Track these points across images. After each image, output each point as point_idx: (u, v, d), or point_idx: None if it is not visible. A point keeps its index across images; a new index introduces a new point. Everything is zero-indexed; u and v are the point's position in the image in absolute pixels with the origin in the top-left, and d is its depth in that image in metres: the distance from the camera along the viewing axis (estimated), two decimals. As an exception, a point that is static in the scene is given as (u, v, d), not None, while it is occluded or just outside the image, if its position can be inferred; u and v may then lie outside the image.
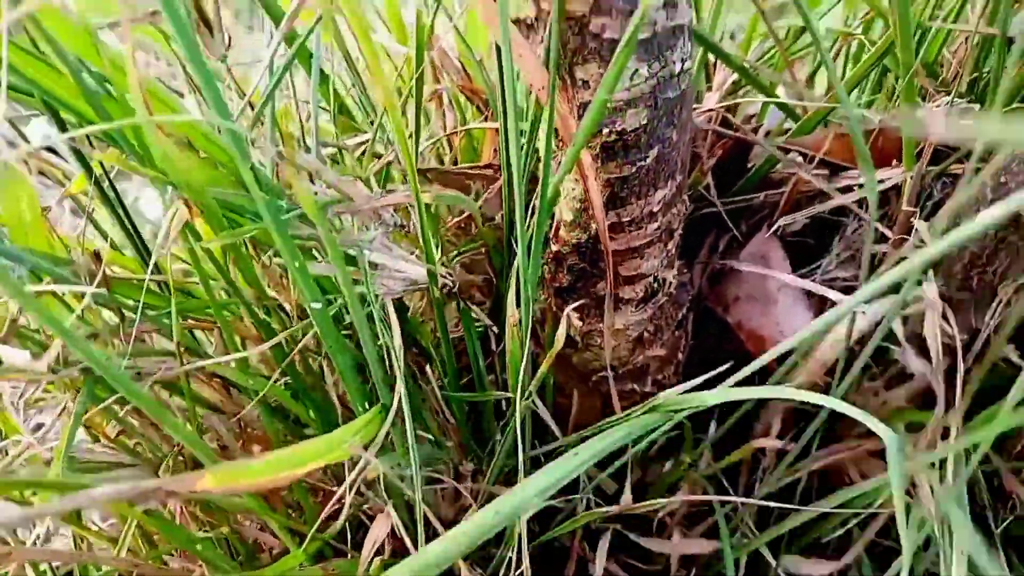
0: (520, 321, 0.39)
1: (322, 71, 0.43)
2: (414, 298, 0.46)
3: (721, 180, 0.53)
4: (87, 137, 0.34)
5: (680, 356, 0.50)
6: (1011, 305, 0.46)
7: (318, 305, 0.34)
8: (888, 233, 0.47)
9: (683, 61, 0.35)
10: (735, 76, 0.51)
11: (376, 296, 0.37)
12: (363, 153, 0.44)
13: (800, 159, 0.48)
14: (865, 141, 0.47)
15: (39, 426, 0.39)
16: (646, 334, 0.45)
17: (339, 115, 0.43)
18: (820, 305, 0.52)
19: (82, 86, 0.29)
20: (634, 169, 0.37)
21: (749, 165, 0.52)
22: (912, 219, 0.45)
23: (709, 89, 0.56)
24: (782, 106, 0.52)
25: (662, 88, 0.34)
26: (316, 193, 0.36)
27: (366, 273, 0.36)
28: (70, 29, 0.30)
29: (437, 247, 0.42)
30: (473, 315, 0.43)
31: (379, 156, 0.44)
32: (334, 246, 0.32)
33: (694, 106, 0.52)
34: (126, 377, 0.26)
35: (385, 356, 0.39)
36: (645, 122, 0.35)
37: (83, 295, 0.34)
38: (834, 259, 0.49)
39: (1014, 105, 0.44)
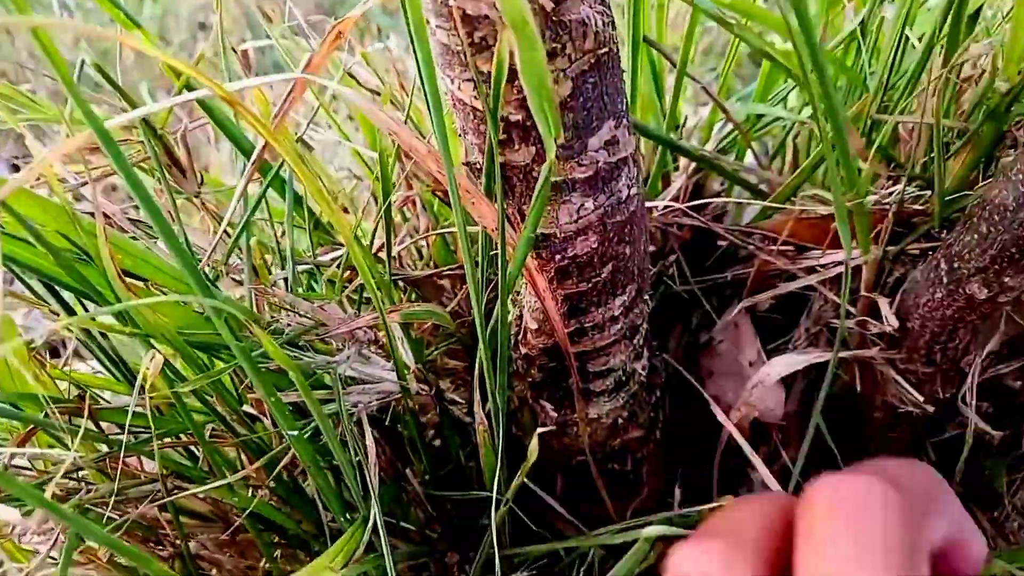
0: (490, 427, 0.41)
1: (296, 193, 0.45)
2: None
3: (691, 259, 0.55)
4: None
5: (657, 433, 0.51)
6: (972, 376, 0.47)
7: (294, 433, 0.36)
8: (852, 311, 0.48)
9: (629, 187, 0.37)
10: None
11: (352, 411, 0.40)
12: (339, 266, 0.46)
13: (763, 241, 0.50)
14: (822, 223, 0.49)
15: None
16: (620, 420, 0.47)
17: (315, 230, 0.46)
18: (790, 378, 0.54)
19: (59, 260, 0.32)
20: (590, 285, 0.39)
21: (719, 243, 0.54)
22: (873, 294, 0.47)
23: (676, 170, 0.57)
24: (746, 186, 0.53)
25: (610, 215, 0.36)
26: (289, 325, 0.38)
27: (339, 394, 0.38)
28: (44, 205, 0.32)
29: (416, 351, 0.44)
30: (454, 413, 0.46)
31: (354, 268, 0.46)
32: (301, 381, 0.34)
33: (651, 205, 0.54)
34: (108, 537, 0.28)
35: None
36: (596, 246, 0.37)
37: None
38: (803, 334, 0.51)
39: (961, 193, 0.45)
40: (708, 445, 0.55)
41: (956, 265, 0.43)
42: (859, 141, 0.44)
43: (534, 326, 0.41)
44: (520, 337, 0.43)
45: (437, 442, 0.49)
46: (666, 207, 0.50)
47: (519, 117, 0.32)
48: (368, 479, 0.36)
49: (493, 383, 0.40)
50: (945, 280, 0.43)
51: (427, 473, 0.45)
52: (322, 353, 0.41)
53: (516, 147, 0.33)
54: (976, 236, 0.41)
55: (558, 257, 0.37)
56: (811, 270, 0.49)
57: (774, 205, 0.49)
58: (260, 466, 0.38)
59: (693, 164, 0.55)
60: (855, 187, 0.42)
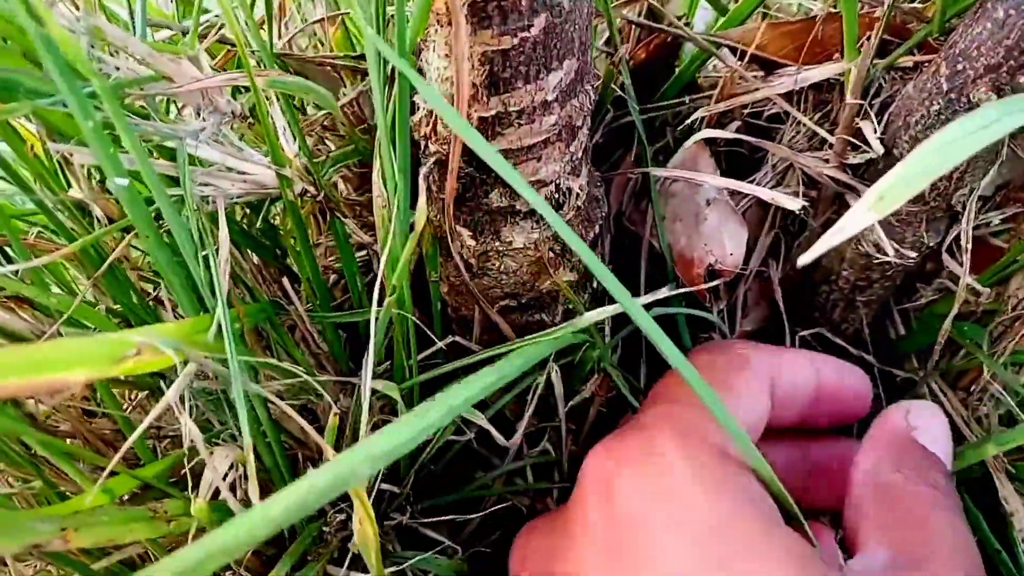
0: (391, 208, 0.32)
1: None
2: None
3: (646, 84, 0.47)
4: None
5: (595, 283, 0.44)
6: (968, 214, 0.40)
7: (124, 182, 0.27)
8: (829, 137, 0.41)
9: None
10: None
11: (208, 199, 0.31)
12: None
13: (730, 56, 0.42)
14: (804, 33, 0.41)
15: None
16: (551, 254, 0.39)
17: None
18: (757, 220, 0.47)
19: None
20: (516, 40, 0.30)
21: (676, 67, 0.46)
22: (857, 118, 0.39)
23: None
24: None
25: (543, -66, 0.28)
26: (118, 69, 0.29)
27: (184, 168, 0.29)
28: None
29: (302, 142, 0.35)
30: (348, 228, 0.37)
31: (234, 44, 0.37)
32: (126, 128, 0.25)
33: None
34: None
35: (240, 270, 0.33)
36: (524, -22, 0.28)
37: None
38: (770, 170, 0.44)
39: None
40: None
41: (960, 66, 0.35)
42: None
43: (441, 110, 0.32)
44: (430, 130, 0.35)
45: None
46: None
47: None
48: (215, 271, 0.27)
49: (394, 181, 0.31)
50: (945, 87, 0.36)
51: (315, 298, 0.36)
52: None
53: None
54: (989, 25, 0.34)
55: (474, -13, 0.28)
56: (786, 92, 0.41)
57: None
58: (81, 255, 0.29)
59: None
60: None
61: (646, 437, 0.33)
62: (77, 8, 0.32)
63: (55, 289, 0.35)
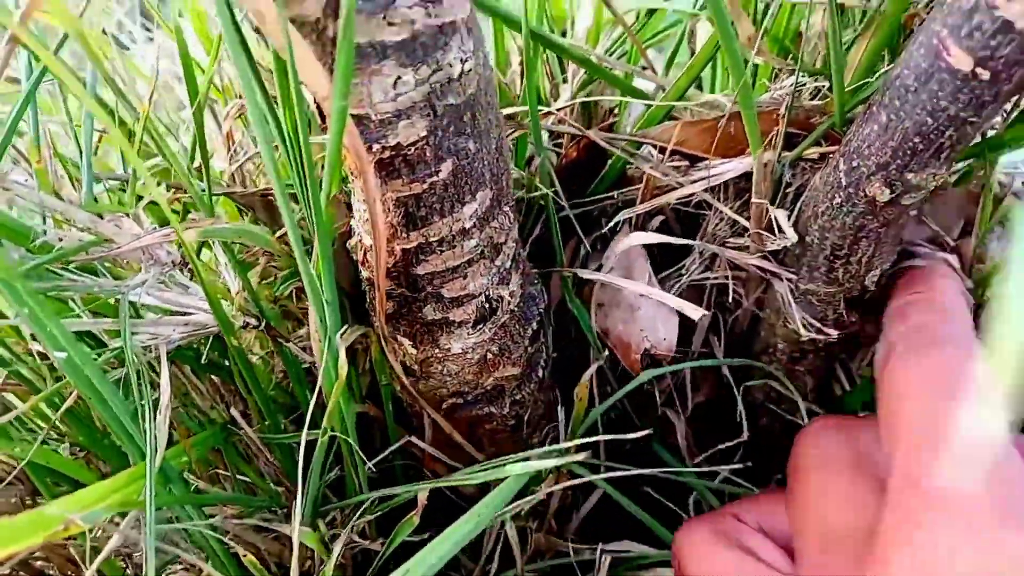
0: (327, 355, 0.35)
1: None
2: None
3: (583, 178, 0.49)
4: None
5: (541, 371, 0.46)
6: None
7: (62, 355, 0.29)
8: (748, 225, 0.43)
9: (463, 62, 0.31)
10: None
11: (151, 344, 0.33)
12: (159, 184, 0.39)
13: (645, 159, 0.45)
14: (716, 129, 0.43)
15: None
16: (490, 355, 0.42)
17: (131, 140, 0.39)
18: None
19: None
20: (426, 185, 0.33)
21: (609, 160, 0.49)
22: (772, 206, 0.42)
23: (565, 82, 0.52)
24: (637, 95, 0.48)
25: (440, 95, 0.30)
26: (61, 239, 0.32)
27: (125, 324, 0.31)
28: None
29: (243, 278, 0.37)
30: (292, 351, 0.39)
31: (179, 187, 0.40)
32: (54, 320, 0.28)
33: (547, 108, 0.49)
34: None
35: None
36: (425, 134, 0.31)
37: None
38: (697, 257, 0.46)
39: (863, 82, 0.40)
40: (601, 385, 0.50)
41: (855, 163, 0.38)
42: (748, 27, 0.39)
43: (368, 242, 0.35)
44: (361, 260, 0.37)
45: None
46: (560, 108, 0.44)
47: (298, -45, 0.25)
48: (152, 421, 0.29)
49: (321, 310, 0.34)
50: (844, 182, 0.38)
51: (268, 417, 0.39)
52: (121, 279, 0.35)
53: (301, -5, 0.26)
54: (876, 127, 0.36)
55: (377, 147, 0.30)
56: (704, 180, 0.43)
57: (663, 104, 0.44)
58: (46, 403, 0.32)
59: (582, 72, 0.49)
60: (741, 80, 0.37)
61: None
62: (30, 176, 0.35)
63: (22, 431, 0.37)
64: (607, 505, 0.50)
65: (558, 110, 0.45)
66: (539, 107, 0.48)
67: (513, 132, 0.45)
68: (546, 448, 0.39)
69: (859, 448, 0.38)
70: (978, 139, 0.42)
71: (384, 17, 0.27)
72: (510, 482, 0.34)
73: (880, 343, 0.39)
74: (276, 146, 0.31)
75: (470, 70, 0.31)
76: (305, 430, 0.31)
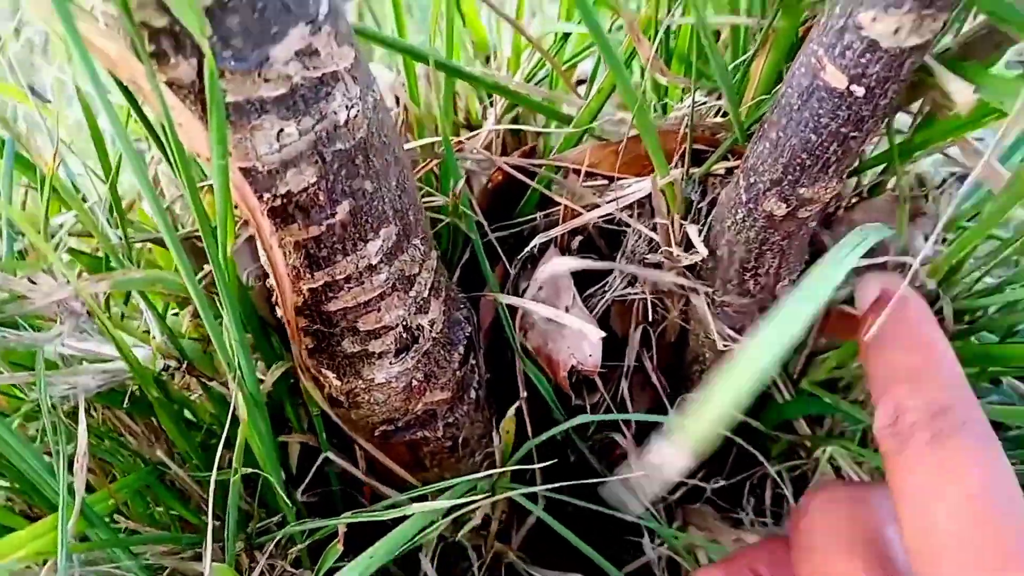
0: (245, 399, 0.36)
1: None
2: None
3: (507, 203, 0.51)
4: None
5: (474, 393, 0.47)
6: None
7: None
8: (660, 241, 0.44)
9: (349, 108, 0.32)
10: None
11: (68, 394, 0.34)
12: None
13: (562, 184, 0.46)
14: (627, 151, 0.44)
15: None
16: (415, 382, 0.43)
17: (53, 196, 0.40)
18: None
19: None
20: (323, 228, 0.34)
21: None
22: (673, 226, 0.43)
23: (492, 105, 0.53)
24: (564, 119, 0.49)
25: (327, 142, 0.32)
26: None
27: (40, 376, 0.33)
28: None
29: (161, 323, 0.38)
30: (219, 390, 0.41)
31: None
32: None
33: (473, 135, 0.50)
34: None
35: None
36: (315, 180, 0.32)
37: None
38: (618, 275, 0.47)
39: (763, 96, 0.41)
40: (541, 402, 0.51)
41: (752, 180, 0.39)
42: (647, 50, 0.40)
43: (274, 283, 0.36)
44: (275, 301, 0.38)
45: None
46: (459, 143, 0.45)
47: (163, 22, 0.26)
48: (67, 470, 0.31)
49: (233, 351, 0.35)
50: (744, 198, 0.39)
51: (193, 455, 0.40)
52: (42, 331, 0.36)
53: (172, 61, 0.27)
54: (768, 144, 0.37)
55: (268, 196, 0.32)
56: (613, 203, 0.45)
57: (579, 125, 0.45)
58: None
59: (503, 100, 0.50)
60: (636, 105, 0.38)
61: None
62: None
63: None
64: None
65: (467, 139, 0.46)
66: (464, 133, 0.49)
67: (432, 161, 0.46)
68: (469, 477, 0.40)
69: (871, 526, 0.35)
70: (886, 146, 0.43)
71: (259, 75, 0.29)
72: (414, 520, 0.35)
73: (883, 408, 0.34)
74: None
75: (357, 115, 0.32)
76: (215, 469, 0.33)
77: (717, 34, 0.45)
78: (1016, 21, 0.33)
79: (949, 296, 0.44)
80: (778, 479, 0.54)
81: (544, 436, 0.44)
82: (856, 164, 0.42)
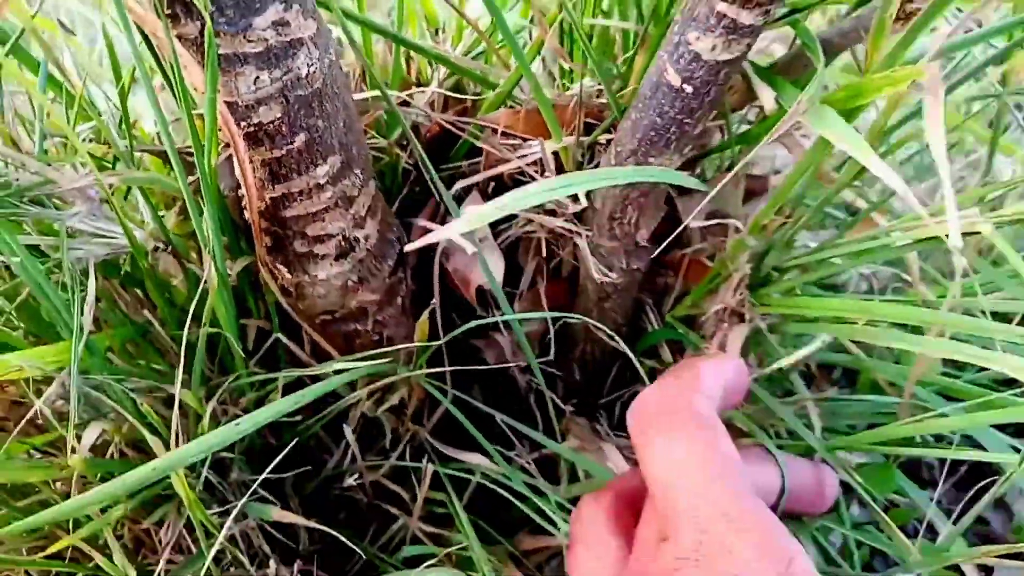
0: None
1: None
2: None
3: (443, 150, 0.62)
4: None
5: (400, 298, 0.59)
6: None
7: (17, 260, 0.42)
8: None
9: (309, 66, 0.43)
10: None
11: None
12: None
13: (491, 132, 0.58)
14: (530, 118, 0.56)
15: None
16: (350, 283, 0.55)
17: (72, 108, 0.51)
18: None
19: None
20: (284, 152, 0.45)
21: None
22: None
23: (436, 68, 0.64)
24: (491, 85, 0.60)
25: (290, 88, 0.43)
26: (17, 180, 0.44)
27: (63, 242, 0.44)
28: None
29: (154, 213, 0.50)
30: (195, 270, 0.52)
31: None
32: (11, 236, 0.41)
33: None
34: None
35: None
36: (280, 115, 0.43)
37: None
38: (522, 218, 0.59)
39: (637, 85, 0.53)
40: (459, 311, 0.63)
41: (619, 149, 0.50)
42: (553, 41, 0.52)
43: (244, 192, 0.48)
44: (244, 205, 0.50)
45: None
46: (402, 101, 0.57)
47: (179, -7, 0.38)
48: (80, 310, 0.42)
49: (207, 240, 0.46)
50: (613, 163, 0.51)
51: (170, 319, 0.52)
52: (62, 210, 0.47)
53: (183, 21, 0.39)
54: (629, 123, 0.49)
55: (243, 124, 0.43)
56: (523, 159, 0.56)
57: (500, 93, 0.56)
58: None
59: (443, 68, 0.62)
60: (534, 85, 0.49)
61: None
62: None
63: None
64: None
65: (415, 94, 0.57)
66: (415, 89, 0.61)
67: (378, 111, 0.57)
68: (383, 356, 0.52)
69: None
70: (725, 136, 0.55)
71: (244, 37, 0.40)
72: (339, 377, 0.46)
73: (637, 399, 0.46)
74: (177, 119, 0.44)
75: (315, 71, 0.44)
76: (187, 324, 0.44)
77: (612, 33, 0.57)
78: (812, 47, 0.46)
79: (770, 250, 0.57)
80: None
81: (449, 336, 0.56)
82: (695, 144, 0.54)
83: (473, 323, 0.54)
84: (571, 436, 0.68)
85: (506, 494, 0.60)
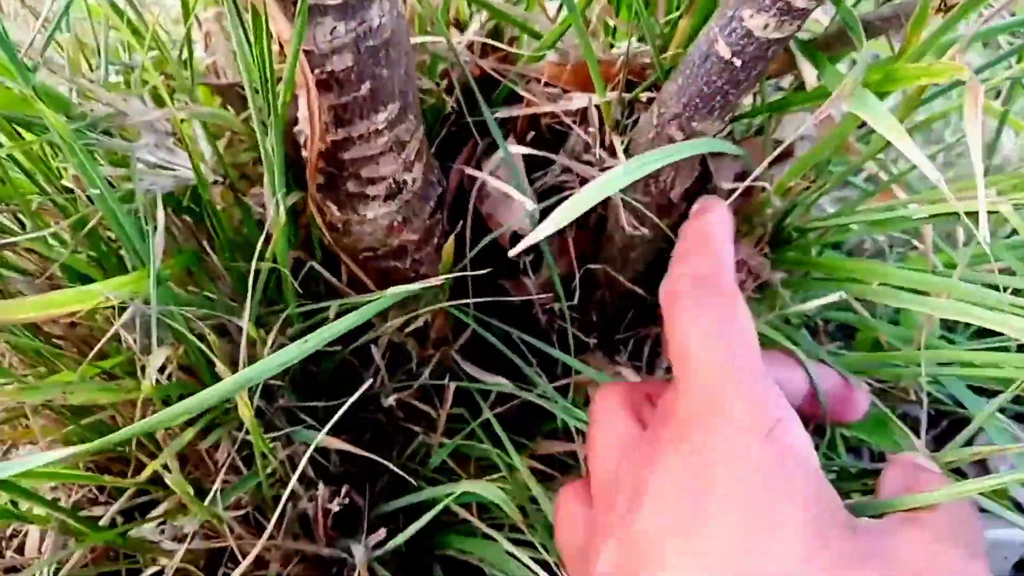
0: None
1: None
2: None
3: (487, 89, 0.64)
4: None
5: (436, 239, 0.62)
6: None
7: (96, 191, 0.44)
8: (593, 146, 0.59)
9: (381, 17, 0.45)
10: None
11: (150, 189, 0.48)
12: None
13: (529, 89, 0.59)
14: (576, 70, 0.58)
15: None
16: (395, 223, 0.57)
17: (135, 36, 0.52)
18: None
19: None
20: (351, 98, 0.47)
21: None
22: (606, 138, 0.57)
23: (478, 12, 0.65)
24: (534, 34, 0.62)
25: (363, 39, 0.45)
26: (92, 111, 0.46)
27: (134, 172, 0.46)
28: None
29: (214, 148, 0.52)
30: (251, 207, 0.55)
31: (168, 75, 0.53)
32: (73, 149, 0.42)
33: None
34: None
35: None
36: (351, 64, 0.45)
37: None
38: (559, 167, 0.61)
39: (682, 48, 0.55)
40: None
41: (662, 111, 0.53)
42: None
43: (308, 131, 0.50)
44: (304, 144, 0.52)
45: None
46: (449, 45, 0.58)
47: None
48: (152, 238, 0.45)
49: (273, 178, 0.48)
50: (655, 123, 0.54)
51: (230, 254, 0.54)
52: (130, 141, 0.49)
53: (273, -28, 0.40)
54: (675, 86, 0.51)
55: (317, 71, 0.45)
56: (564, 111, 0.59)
57: (546, 42, 0.58)
58: (72, 224, 0.47)
59: (485, 13, 0.63)
60: (584, 40, 0.51)
61: None
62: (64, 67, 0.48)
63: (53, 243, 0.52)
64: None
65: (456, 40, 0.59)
66: (454, 31, 0.62)
67: (426, 56, 0.59)
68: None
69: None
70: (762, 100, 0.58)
71: (326, -13, 0.41)
72: (367, 308, 0.49)
73: (668, 277, 0.50)
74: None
75: (385, 22, 0.45)
76: (255, 259, 0.47)
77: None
78: (855, 29, 0.48)
79: (792, 210, 0.60)
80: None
81: (474, 251, 0.59)
82: (736, 111, 0.57)
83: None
84: (591, 364, 0.72)
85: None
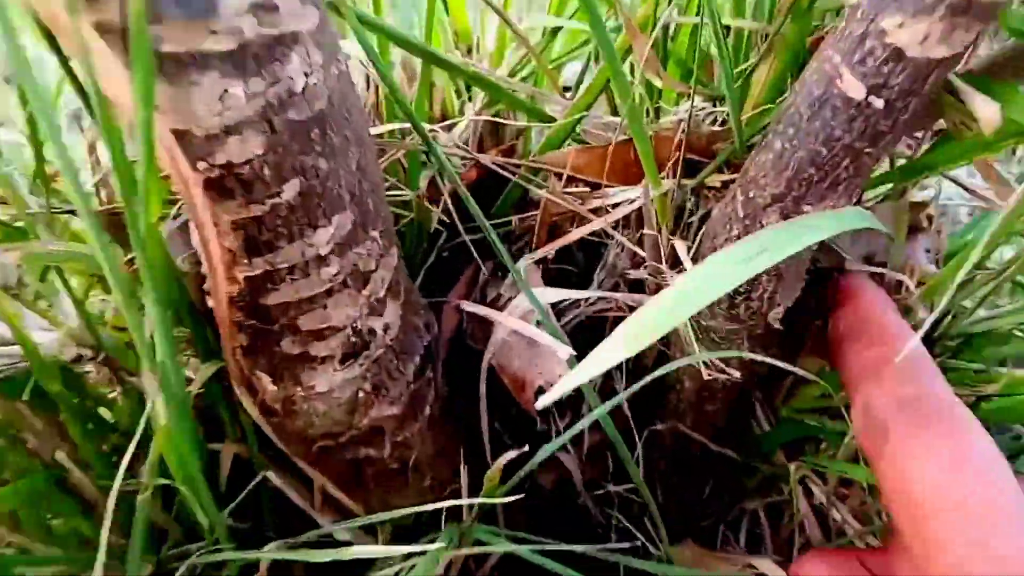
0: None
1: None
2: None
3: (481, 202, 0.46)
4: None
5: (428, 410, 0.43)
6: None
7: None
8: (645, 256, 0.41)
9: (308, 75, 0.28)
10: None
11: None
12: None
13: (542, 188, 0.42)
14: (614, 156, 0.41)
15: None
16: (363, 394, 0.38)
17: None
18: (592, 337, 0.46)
19: None
20: (267, 208, 0.29)
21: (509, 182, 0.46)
22: (661, 241, 0.39)
23: (471, 100, 0.49)
24: (546, 119, 0.45)
25: (279, 110, 0.27)
26: None
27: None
28: None
29: (80, 307, 0.34)
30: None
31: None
32: None
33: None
34: None
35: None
36: (261, 152, 0.28)
37: None
38: (596, 289, 0.43)
39: (765, 106, 0.38)
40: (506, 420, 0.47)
41: (752, 194, 0.35)
42: (642, 46, 0.36)
43: (206, 267, 0.32)
44: (208, 287, 0.34)
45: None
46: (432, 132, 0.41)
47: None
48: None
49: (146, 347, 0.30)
50: (741, 213, 0.36)
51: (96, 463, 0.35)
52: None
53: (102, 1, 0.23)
54: (771, 155, 0.34)
55: (203, 165, 0.27)
56: (601, 211, 0.41)
57: (564, 126, 0.41)
58: None
59: (483, 95, 0.47)
60: (628, 106, 0.34)
61: None
62: None
63: None
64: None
65: (442, 128, 0.42)
66: (440, 124, 0.46)
67: (398, 152, 0.42)
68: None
69: None
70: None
71: (205, 25, 0.24)
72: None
73: (856, 407, 0.34)
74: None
75: (316, 84, 0.28)
76: (119, 476, 0.28)
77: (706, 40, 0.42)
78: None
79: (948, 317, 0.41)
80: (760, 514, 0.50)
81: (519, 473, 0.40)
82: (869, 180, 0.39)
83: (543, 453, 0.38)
84: (685, 560, 0.51)
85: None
